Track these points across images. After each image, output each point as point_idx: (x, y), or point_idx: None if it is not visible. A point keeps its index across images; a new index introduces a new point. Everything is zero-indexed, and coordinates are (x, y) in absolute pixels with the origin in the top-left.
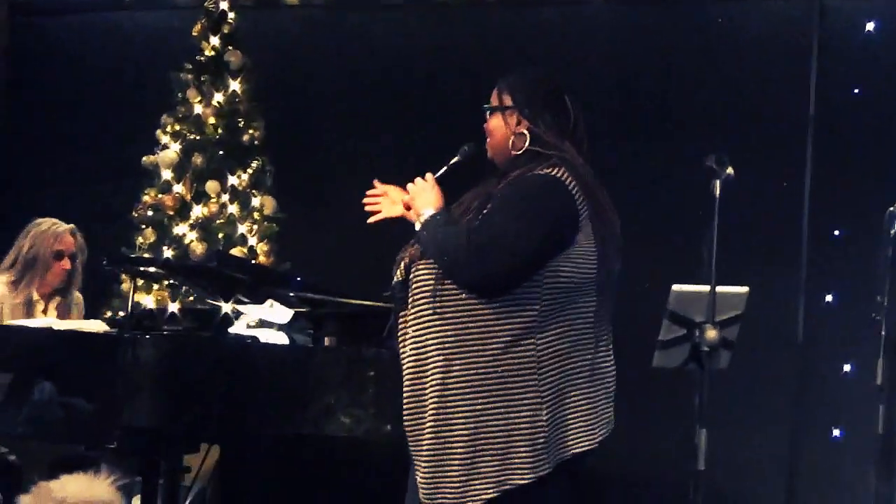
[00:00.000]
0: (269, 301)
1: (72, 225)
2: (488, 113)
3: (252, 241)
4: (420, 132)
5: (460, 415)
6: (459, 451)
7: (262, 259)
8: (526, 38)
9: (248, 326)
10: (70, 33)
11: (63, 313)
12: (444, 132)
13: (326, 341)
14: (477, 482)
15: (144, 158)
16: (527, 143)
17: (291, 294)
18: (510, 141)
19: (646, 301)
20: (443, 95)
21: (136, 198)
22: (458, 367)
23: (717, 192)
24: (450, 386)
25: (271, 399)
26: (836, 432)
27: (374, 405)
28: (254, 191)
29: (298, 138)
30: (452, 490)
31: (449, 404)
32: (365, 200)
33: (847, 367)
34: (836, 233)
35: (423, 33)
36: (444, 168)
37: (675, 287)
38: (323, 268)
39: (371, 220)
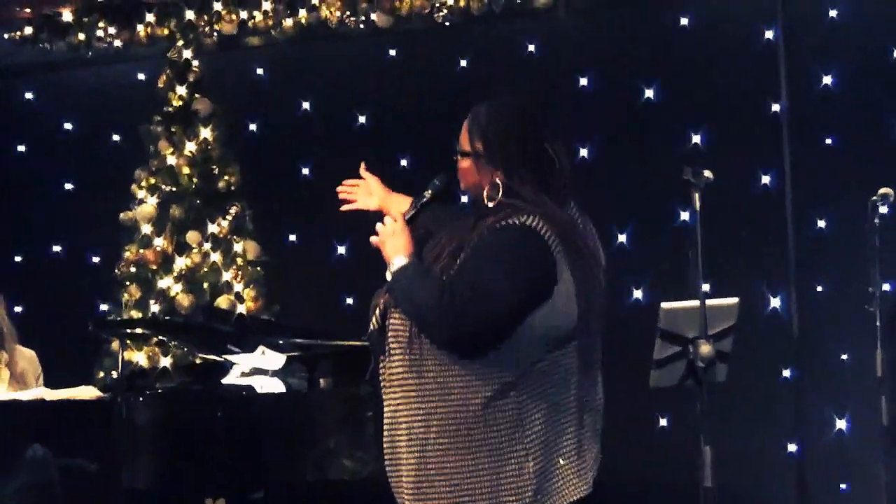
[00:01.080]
0: (261, 348)
1: None
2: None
3: (238, 287)
4: (396, 165)
5: (444, 471)
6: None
7: (249, 304)
8: (499, 54)
9: (242, 375)
10: (34, 93)
11: (13, 371)
12: (425, 166)
13: (322, 383)
14: None
15: (122, 215)
16: (500, 195)
17: (281, 341)
18: (483, 190)
19: (642, 316)
20: (421, 126)
21: (117, 255)
22: (437, 422)
23: (698, 204)
24: (430, 441)
25: (272, 447)
26: (841, 424)
27: (377, 445)
28: (235, 236)
29: (275, 179)
30: None
31: (430, 460)
32: (339, 188)
33: (844, 357)
34: (821, 224)
35: (393, 59)
36: (415, 208)
37: (664, 305)
38: (312, 306)
39: (343, 208)
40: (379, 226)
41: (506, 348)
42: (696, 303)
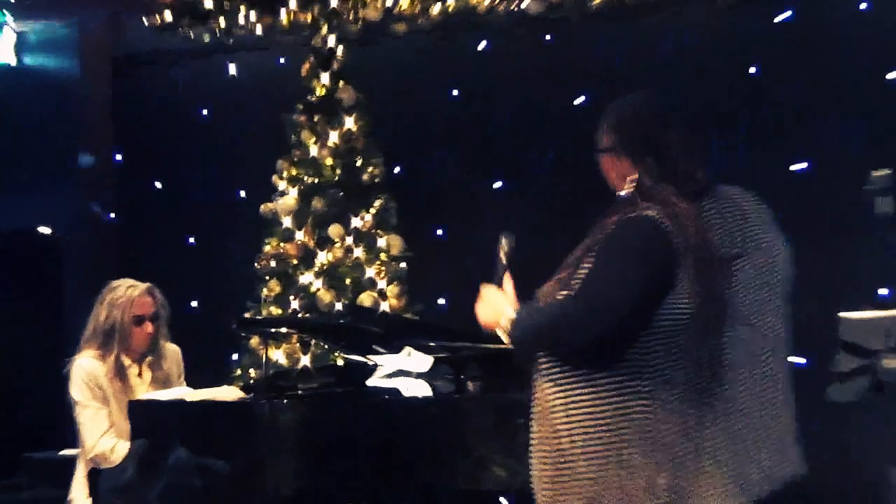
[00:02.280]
0: (407, 349)
1: (147, 284)
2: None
3: (381, 284)
4: (544, 156)
5: (575, 488)
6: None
7: (393, 302)
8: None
9: (386, 377)
10: (174, 82)
11: (157, 370)
12: (574, 161)
13: (470, 386)
14: None
15: (263, 207)
16: (631, 186)
17: (431, 342)
18: (616, 183)
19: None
20: (570, 120)
21: (257, 248)
22: (568, 434)
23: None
24: (564, 452)
25: (419, 454)
26: None
27: (527, 454)
28: (378, 231)
29: (420, 171)
30: None
31: (563, 473)
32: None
33: None
34: None
35: (545, 49)
36: (499, 273)
37: (843, 315)
38: (457, 305)
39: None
40: (477, 306)
41: (634, 353)
42: (878, 313)
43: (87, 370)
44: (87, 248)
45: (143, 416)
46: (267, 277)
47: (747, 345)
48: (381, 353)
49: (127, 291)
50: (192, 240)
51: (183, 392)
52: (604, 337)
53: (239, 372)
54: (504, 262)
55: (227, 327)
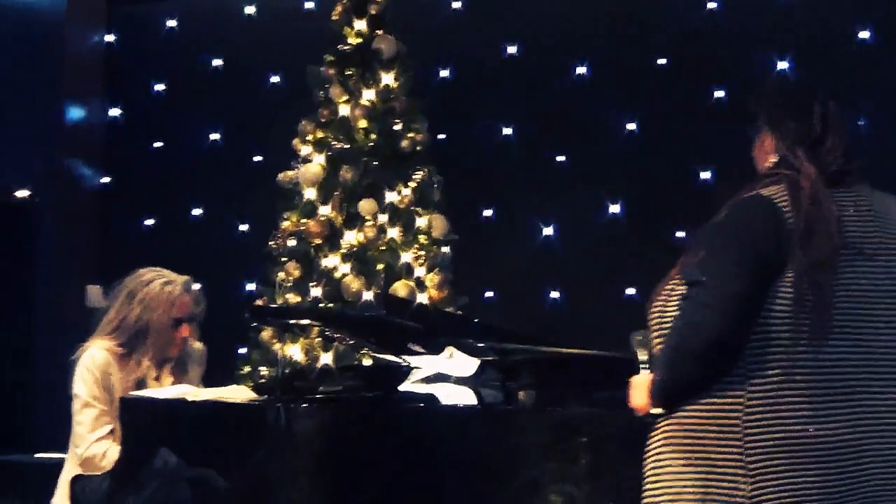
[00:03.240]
0: (449, 349)
1: (186, 278)
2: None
3: (419, 271)
4: (620, 124)
5: (659, 484)
6: None
7: (432, 293)
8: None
9: (423, 381)
10: (177, 21)
11: (179, 375)
12: (650, 127)
13: (521, 396)
14: None
15: (281, 175)
16: (771, 161)
17: (480, 343)
18: (760, 163)
19: None
20: (646, 81)
21: (273, 224)
22: (661, 432)
23: None
24: (654, 450)
25: (458, 474)
26: None
27: (590, 479)
28: (418, 208)
29: (470, 139)
30: None
31: (653, 470)
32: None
33: None
34: None
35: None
36: (642, 366)
37: None
38: (508, 299)
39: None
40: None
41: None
42: None
43: (99, 364)
44: (68, 216)
45: (133, 416)
46: (284, 259)
47: (864, 363)
48: (418, 353)
49: (166, 288)
50: (195, 211)
51: (184, 390)
52: (730, 333)
53: (247, 369)
54: (643, 357)
55: (233, 316)
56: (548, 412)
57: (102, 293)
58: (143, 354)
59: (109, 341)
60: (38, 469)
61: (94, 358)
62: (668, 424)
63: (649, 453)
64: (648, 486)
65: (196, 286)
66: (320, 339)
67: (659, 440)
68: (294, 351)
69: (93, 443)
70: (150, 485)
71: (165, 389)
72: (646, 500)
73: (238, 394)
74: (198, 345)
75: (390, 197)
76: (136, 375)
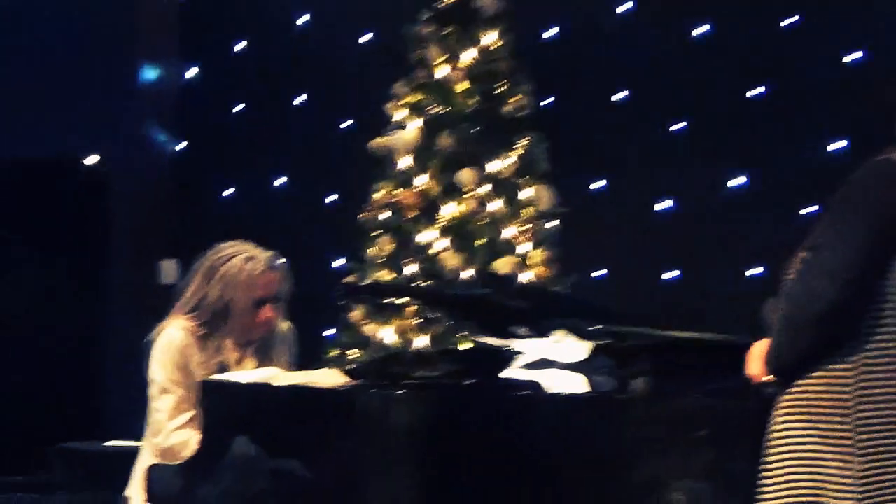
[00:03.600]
0: (557, 333)
1: (270, 254)
2: None
3: (523, 247)
4: (748, 89)
5: (773, 463)
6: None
7: (538, 271)
8: None
9: (529, 366)
10: None
11: (263, 358)
12: (787, 94)
13: (637, 384)
14: None
15: (374, 142)
16: None
17: (590, 326)
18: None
19: None
20: (788, 43)
21: (364, 196)
22: (778, 410)
23: None
24: (772, 427)
25: (565, 469)
26: None
27: (713, 476)
28: (522, 179)
29: (581, 103)
30: None
31: (768, 450)
32: None
33: None
34: None
35: None
36: None
37: None
38: (622, 278)
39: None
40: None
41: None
42: None
43: (177, 345)
44: (142, 184)
45: (214, 401)
46: (376, 233)
47: None
48: (522, 337)
49: (247, 266)
50: (279, 181)
51: (270, 374)
52: (844, 303)
53: (335, 352)
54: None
55: (320, 295)
56: (666, 402)
57: (177, 269)
58: (225, 336)
59: (188, 321)
60: (111, 458)
61: (173, 339)
62: (785, 400)
63: (768, 431)
64: (765, 464)
65: (281, 262)
66: (416, 320)
67: (776, 417)
68: (387, 333)
69: (173, 431)
70: (228, 476)
71: (250, 373)
72: (764, 480)
73: (328, 378)
74: (285, 325)
75: (492, 166)
76: (218, 358)
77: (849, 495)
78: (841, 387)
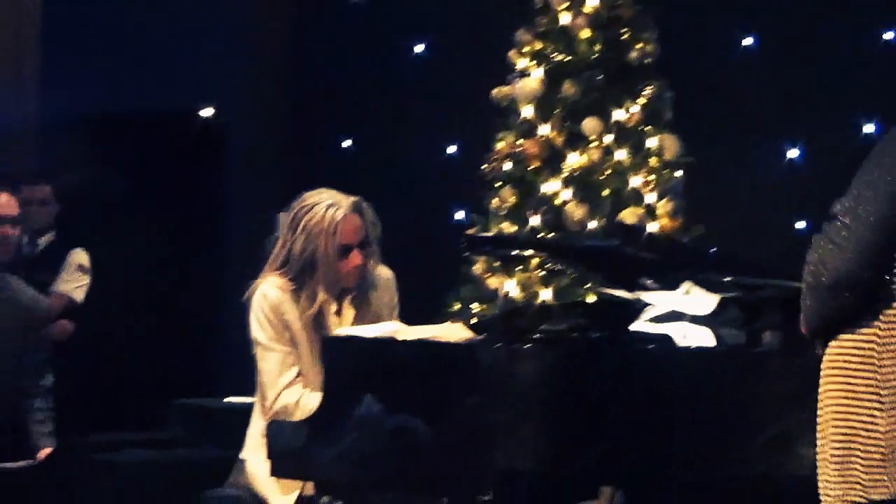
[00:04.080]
0: (686, 284)
1: (353, 199)
2: None
3: (650, 197)
4: (867, 39)
5: (820, 415)
6: (818, 456)
7: (664, 222)
8: None
9: (656, 320)
10: None
11: (362, 307)
12: None
13: (767, 337)
14: (827, 493)
15: (495, 91)
16: None
17: (720, 278)
18: None
19: None
20: None
21: (486, 146)
22: (823, 367)
23: None
24: (820, 385)
25: (694, 425)
26: None
27: None
28: (648, 127)
29: (706, 52)
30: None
31: (818, 405)
32: None
33: None
34: None
35: None
36: None
37: None
38: (751, 229)
39: None
40: None
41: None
42: None
43: (272, 302)
44: (260, 137)
45: (339, 358)
46: (498, 184)
47: None
48: (650, 289)
49: (328, 213)
50: (398, 131)
51: (393, 328)
52: (856, 275)
53: (457, 306)
54: None
55: (441, 248)
56: (797, 355)
57: None
58: (316, 287)
59: (279, 277)
60: (229, 414)
61: (266, 297)
62: (825, 360)
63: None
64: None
65: (366, 205)
66: (540, 272)
67: (821, 376)
68: (510, 286)
69: (282, 391)
70: (350, 435)
71: (371, 327)
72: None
73: (451, 333)
74: (384, 272)
75: (617, 115)
76: (313, 311)
77: (876, 450)
78: (868, 346)
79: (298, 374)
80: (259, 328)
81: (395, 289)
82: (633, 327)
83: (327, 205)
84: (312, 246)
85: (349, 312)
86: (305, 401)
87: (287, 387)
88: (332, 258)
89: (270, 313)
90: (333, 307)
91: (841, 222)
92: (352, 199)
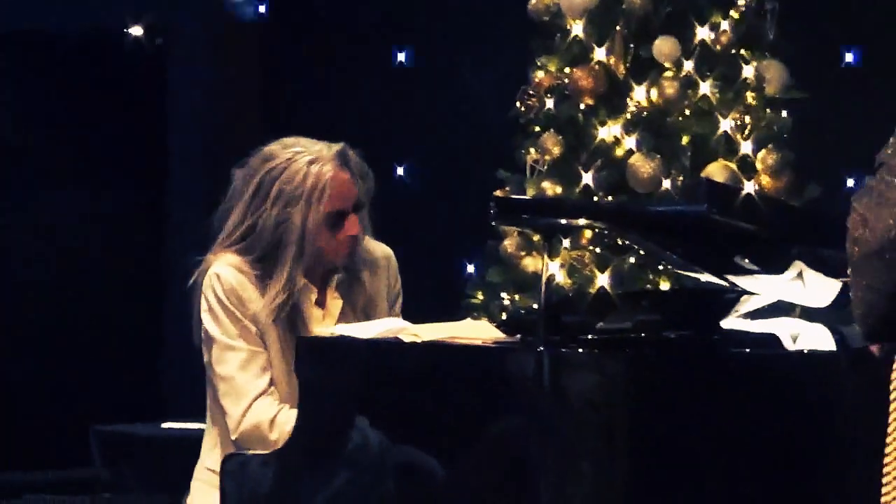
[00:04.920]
0: (796, 265)
1: (336, 148)
2: None
3: (745, 146)
4: None
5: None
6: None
7: (765, 180)
8: None
9: (756, 314)
10: None
11: (352, 294)
12: None
13: None
14: None
15: (533, 2)
16: None
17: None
18: None
19: None
20: None
21: (521, 75)
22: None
23: None
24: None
25: (814, 451)
26: None
27: None
28: (744, 51)
29: None
30: None
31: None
32: None
33: None
34: None
35: None
36: None
37: None
38: None
39: None
40: None
41: None
42: None
43: (230, 286)
44: (210, 62)
45: (321, 367)
46: (538, 128)
47: None
48: (748, 272)
49: (311, 171)
50: (410, 55)
51: (396, 327)
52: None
53: (481, 296)
54: None
55: (460, 216)
56: None
57: None
58: (293, 270)
59: (237, 255)
60: (168, 445)
61: (222, 278)
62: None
63: None
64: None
65: (352, 154)
66: (594, 249)
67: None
68: (554, 269)
69: (252, 402)
70: (339, 475)
71: (369, 325)
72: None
73: (477, 332)
74: (380, 247)
75: (701, 33)
76: (285, 299)
77: None
78: None
79: (270, 384)
80: (213, 321)
81: (396, 271)
82: (726, 325)
83: (309, 159)
84: (290, 214)
85: (335, 303)
86: (284, 418)
87: (259, 398)
88: (321, 229)
89: (228, 300)
90: (314, 296)
91: (888, 173)
92: (335, 147)
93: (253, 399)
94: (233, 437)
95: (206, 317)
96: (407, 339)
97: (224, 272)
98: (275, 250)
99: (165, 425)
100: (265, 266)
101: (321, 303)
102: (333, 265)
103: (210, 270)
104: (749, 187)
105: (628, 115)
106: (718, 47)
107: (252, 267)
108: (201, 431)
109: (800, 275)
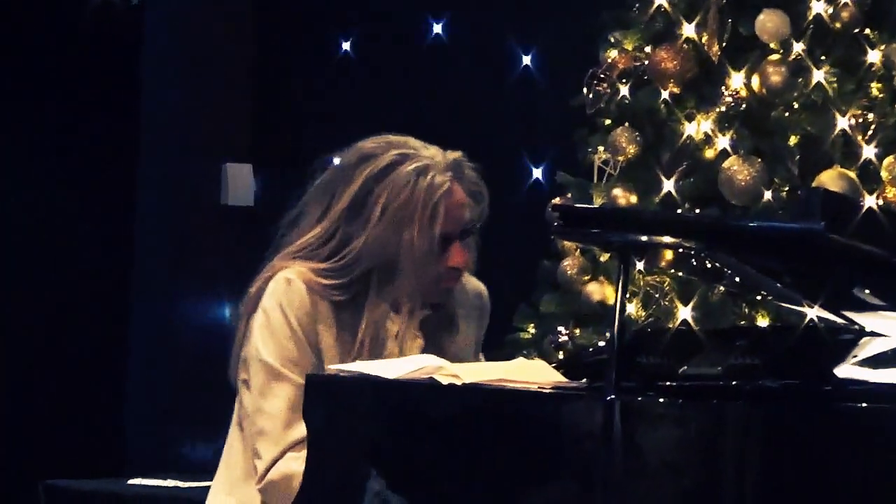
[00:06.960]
0: None
1: (453, 156)
2: None
3: (868, 150)
4: None
5: None
6: None
7: (893, 194)
8: None
9: (872, 360)
10: None
11: (438, 333)
12: None
13: None
14: None
15: None
16: None
17: None
18: None
19: None
20: None
21: (583, 56)
22: None
23: None
24: None
25: None
26: None
27: None
28: (869, 31)
29: None
30: None
31: None
32: None
33: None
34: None
35: None
36: None
37: None
38: None
39: None
40: None
41: None
42: None
43: (307, 305)
44: (187, 33)
45: (333, 411)
46: (607, 121)
47: None
48: (870, 307)
49: (425, 182)
50: (437, 28)
51: (427, 365)
52: None
53: (532, 329)
54: None
55: (509, 224)
56: None
57: (252, 181)
58: (383, 301)
59: (318, 276)
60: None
61: (296, 292)
62: None
63: None
64: None
65: (467, 165)
66: (676, 273)
67: None
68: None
69: (288, 449)
70: None
71: (398, 362)
72: None
73: (531, 374)
74: (468, 281)
75: (816, 7)
76: (363, 334)
77: None
78: None
79: None
80: (269, 338)
81: (488, 315)
82: (842, 372)
83: (417, 168)
84: (397, 235)
85: (414, 342)
86: None
87: (297, 446)
88: (430, 254)
89: (297, 320)
90: (394, 328)
91: None
92: (451, 155)
93: (289, 445)
94: (257, 486)
95: (261, 333)
96: (444, 380)
97: (300, 286)
98: (367, 277)
99: (132, 481)
100: (352, 293)
101: (401, 338)
102: (435, 298)
103: (279, 276)
104: (871, 201)
105: (722, 108)
106: (837, 25)
107: (334, 293)
108: (174, 490)
109: None
